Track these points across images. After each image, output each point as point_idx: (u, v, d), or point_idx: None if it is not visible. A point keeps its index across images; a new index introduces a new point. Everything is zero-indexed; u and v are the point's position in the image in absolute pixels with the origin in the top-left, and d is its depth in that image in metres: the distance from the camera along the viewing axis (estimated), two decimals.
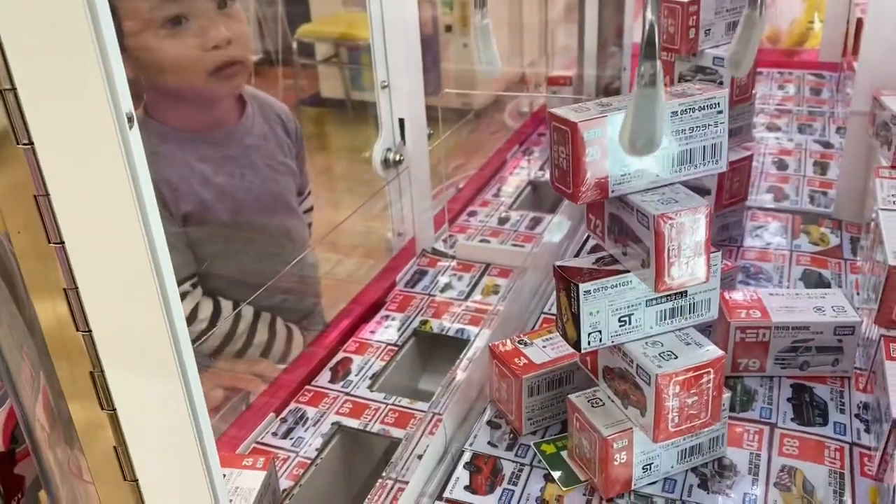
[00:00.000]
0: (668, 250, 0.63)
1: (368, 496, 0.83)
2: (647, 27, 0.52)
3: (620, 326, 0.68)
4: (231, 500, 0.75)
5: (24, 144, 0.37)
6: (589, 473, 0.76)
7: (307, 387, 1.02)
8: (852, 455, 0.78)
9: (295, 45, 3.66)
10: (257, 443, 0.93)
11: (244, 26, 1.11)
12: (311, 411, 0.98)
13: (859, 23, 1.52)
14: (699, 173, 0.67)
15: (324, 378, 1.04)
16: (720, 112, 0.65)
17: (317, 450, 0.92)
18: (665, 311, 0.69)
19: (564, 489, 0.76)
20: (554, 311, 1.03)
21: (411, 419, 0.95)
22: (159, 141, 1.10)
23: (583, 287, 0.66)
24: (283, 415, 0.97)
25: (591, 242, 1.17)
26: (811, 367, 0.87)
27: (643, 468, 0.74)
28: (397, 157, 1.24)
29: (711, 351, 0.68)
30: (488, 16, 0.72)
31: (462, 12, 3.29)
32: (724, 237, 1.15)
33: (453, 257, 1.30)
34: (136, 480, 0.46)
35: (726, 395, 0.74)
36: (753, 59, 0.71)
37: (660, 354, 0.68)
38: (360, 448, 0.98)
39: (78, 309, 0.41)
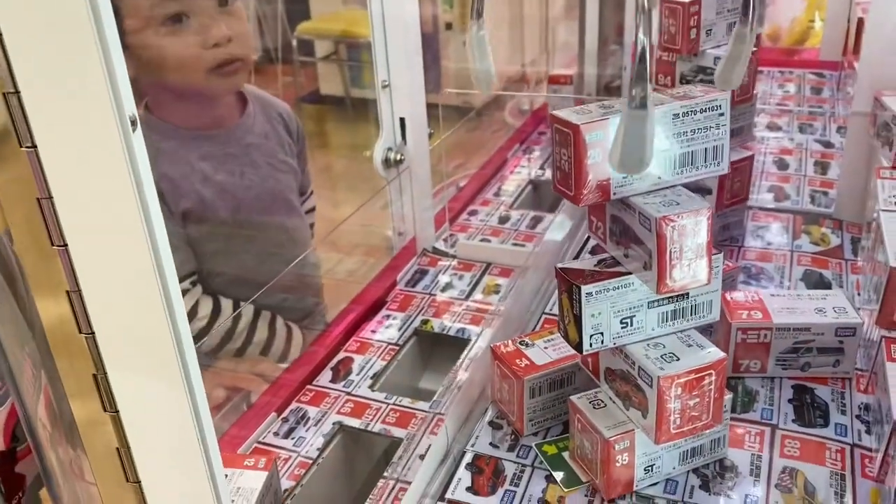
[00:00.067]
0: (670, 252, 0.63)
1: (370, 496, 0.84)
2: (638, 49, 0.53)
3: (622, 328, 0.69)
4: (233, 501, 0.75)
5: (28, 147, 0.37)
6: (590, 474, 0.76)
7: (308, 386, 1.02)
8: (853, 456, 0.78)
9: (295, 42, 3.65)
10: (259, 442, 0.94)
11: (245, 24, 1.11)
12: (312, 411, 0.98)
13: (860, 22, 1.52)
14: (701, 175, 0.67)
15: (325, 378, 1.04)
16: (721, 114, 0.65)
17: (318, 449, 0.92)
18: (667, 312, 0.69)
19: (566, 490, 0.76)
20: (555, 311, 1.03)
21: (412, 419, 0.95)
22: (160, 138, 1.10)
23: (585, 289, 0.66)
24: (284, 414, 0.98)
25: (593, 242, 1.17)
26: (812, 368, 0.87)
27: (645, 469, 0.74)
28: (398, 157, 1.24)
29: (713, 353, 0.68)
30: (485, 26, 0.73)
31: (462, 10, 3.29)
32: (725, 237, 1.15)
33: (454, 256, 1.30)
34: (139, 482, 0.46)
35: (727, 396, 0.74)
36: (743, 75, 0.71)
37: (661, 356, 0.68)
38: (362, 448, 0.98)
39: (81, 311, 0.41)
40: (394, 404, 0.98)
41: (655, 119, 0.63)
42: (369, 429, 0.95)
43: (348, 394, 1.00)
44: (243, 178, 1.17)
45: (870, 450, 0.78)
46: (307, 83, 3.84)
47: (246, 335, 1.18)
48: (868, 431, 0.80)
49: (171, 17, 1.03)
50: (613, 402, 0.74)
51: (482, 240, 1.34)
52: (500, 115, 1.90)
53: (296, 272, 1.21)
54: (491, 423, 0.86)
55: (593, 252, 1.16)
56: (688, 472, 0.77)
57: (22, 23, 0.35)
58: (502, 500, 0.76)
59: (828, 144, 1.48)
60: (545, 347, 0.84)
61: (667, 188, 0.66)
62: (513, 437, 0.83)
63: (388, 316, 1.16)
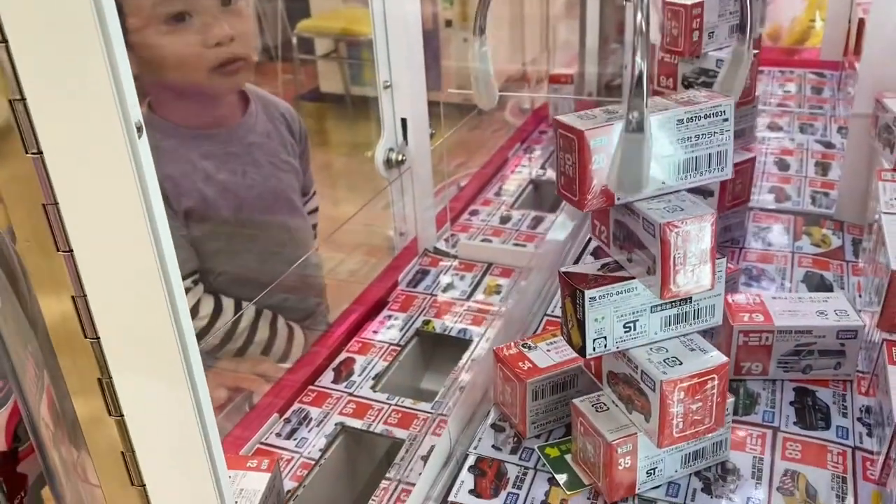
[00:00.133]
0: (674, 258, 0.63)
1: (372, 497, 0.84)
2: (635, 72, 0.53)
3: (625, 332, 0.69)
4: (236, 502, 0.75)
5: (34, 153, 0.37)
6: (593, 477, 0.76)
7: (310, 387, 1.03)
8: (855, 459, 0.78)
9: (294, 40, 3.65)
10: (261, 443, 0.94)
11: (248, 23, 1.11)
12: (314, 412, 0.98)
13: (861, 23, 1.52)
14: (704, 180, 0.67)
15: (327, 378, 1.04)
16: (726, 120, 0.65)
17: (320, 450, 0.92)
18: (669, 317, 0.70)
19: (569, 493, 0.76)
20: (557, 312, 1.04)
21: (414, 420, 0.95)
22: (162, 137, 1.11)
23: (588, 294, 0.66)
24: (286, 415, 0.98)
25: (594, 243, 1.17)
26: (814, 370, 0.87)
27: (647, 472, 0.74)
28: (400, 158, 1.24)
29: (716, 357, 0.68)
30: (487, 43, 0.73)
31: (462, 8, 3.29)
32: (727, 238, 1.15)
33: (455, 257, 1.30)
34: (144, 485, 0.46)
35: (730, 399, 0.74)
36: (741, 92, 0.72)
37: (664, 360, 0.68)
38: (364, 449, 0.98)
39: (86, 316, 0.41)
40: (396, 405, 0.98)
41: (660, 124, 0.63)
42: (371, 430, 0.95)
43: (350, 394, 1.01)
44: (245, 178, 1.17)
45: (871, 452, 0.79)
46: (307, 81, 3.84)
47: (247, 335, 1.18)
48: (869, 434, 0.81)
49: (174, 15, 1.03)
50: (616, 405, 0.74)
51: (483, 240, 1.34)
52: (500, 115, 1.90)
53: (298, 272, 1.21)
54: (493, 426, 0.86)
55: (595, 253, 1.16)
56: (690, 475, 0.77)
57: (28, 30, 0.35)
58: (505, 502, 0.76)
59: (828, 145, 1.48)
60: (547, 350, 0.84)
61: (671, 193, 0.66)
62: (515, 439, 0.84)
63: (389, 316, 1.16)
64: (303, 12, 3.71)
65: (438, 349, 1.16)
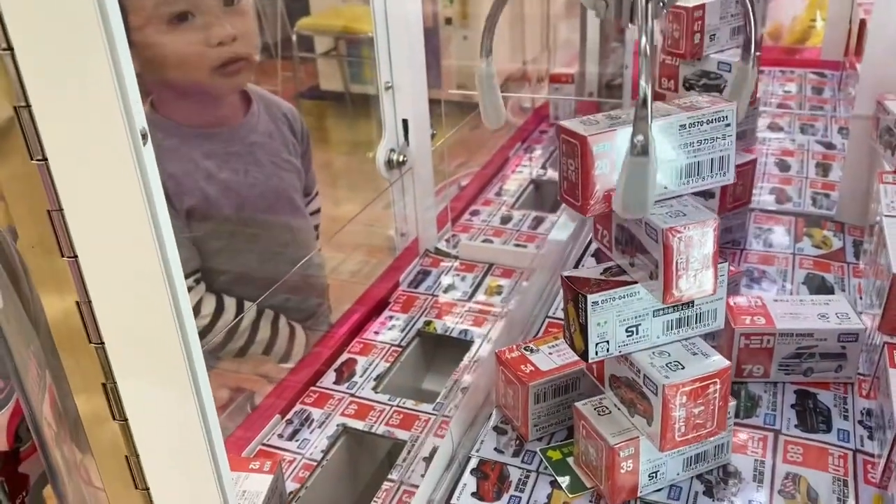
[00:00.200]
0: (677, 263, 0.63)
1: (374, 498, 0.84)
2: (640, 98, 0.53)
3: (628, 336, 0.69)
4: None
5: (38, 160, 0.37)
6: (595, 480, 0.76)
7: (312, 388, 1.03)
8: (856, 462, 0.78)
9: (294, 38, 3.65)
10: (263, 444, 0.94)
11: (251, 23, 1.11)
12: (316, 413, 0.98)
13: (862, 23, 1.52)
14: (707, 185, 0.67)
15: (329, 379, 1.04)
16: (728, 125, 0.65)
17: (322, 451, 0.92)
18: (672, 321, 0.70)
19: (571, 496, 0.76)
20: (559, 314, 1.04)
21: (416, 421, 0.95)
22: (164, 136, 1.11)
23: (591, 298, 0.66)
24: (288, 416, 0.98)
25: (596, 244, 1.17)
26: (815, 373, 0.87)
27: (649, 476, 0.74)
28: (401, 158, 1.24)
29: (718, 361, 0.69)
30: (492, 65, 0.73)
31: (462, 7, 3.29)
32: (728, 240, 1.15)
33: (456, 257, 1.30)
34: (147, 489, 0.46)
35: (731, 403, 0.74)
36: (745, 109, 0.72)
37: (667, 365, 0.68)
38: (366, 450, 0.99)
39: (91, 322, 0.41)
40: (397, 406, 0.98)
41: (662, 129, 0.63)
42: (373, 431, 0.95)
43: (352, 395, 1.01)
44: (247, 177, 1.17)
45: (872, 455, 0.79)
46: (307, 79, 3.83)
47: (249, 334, 1.18)
48: (870, 437, 0.81)
49: (177, 15, 1.03)
50: (618, 408, 0.74)
51: (484, 240, 1.34)
52: None
53: (300, 272, 1.22)
54: (495, 429, 0.86)
55: (596, 254, 1.16)
56: (691, 478, 0.77)
57: (33, 37, 0.35)
58: None
59: (829, 146, 1.48)
60: (549, 353, 0.84)
61: (673, 198, 0.66)
62: (517, 442, 0.84)
63: (390, 317, 1.16)
64: (303, 10, 3.70)
65: (440, 350, 1.16)
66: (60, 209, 0.38)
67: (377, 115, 1.25)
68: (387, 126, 1.24)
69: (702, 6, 0.97)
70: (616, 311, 0.68)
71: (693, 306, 0.70)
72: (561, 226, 1.24)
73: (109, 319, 0.41)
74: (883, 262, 0.88)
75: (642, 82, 0.54)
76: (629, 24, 0.65)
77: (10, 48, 0.35)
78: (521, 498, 0.77)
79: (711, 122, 0.65)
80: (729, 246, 1.15)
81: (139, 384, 0.44)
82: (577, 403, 0.76)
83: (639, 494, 0.75)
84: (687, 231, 0.63)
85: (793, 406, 0.86)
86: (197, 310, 1.12)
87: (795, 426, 0.83)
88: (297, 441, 0.94)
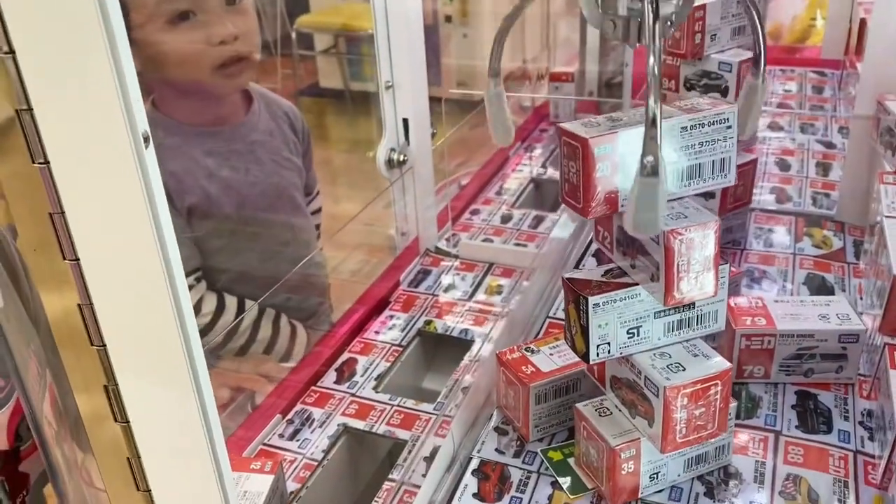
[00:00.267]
0: (678, 265, 0.63)
1: (375, 498, 0.84)
2: (649, 118, 0.53)
3: (629, 338, 0.69)
4: None
5: (40, 163, 0.37)
6: (596, 481, 0.76)
7: (313, 388, 1.03)
8: (856, 463, 0.78)
9: (294, 35, 3.65)
10: (264, 444, 0.94)
11: (252, 22, 1.11)
12: (317, 412, 0.98)
13: (862, 22, 1.52)
14: (708, 187, 0.67)
15: (329, 379, 1.04)
16: (729, 127, 0.65)
17: (323, 451, 0.92)
18: (672, 322, 0.70)
19: (572, 497, 0.76)
20: (559, 315, 1.04)
21: (416, 420, 0.96)
22: (165, 134, 1.11)
23: (592, 300, 0.66)
24: (289, 416, 0.98)
25: (596, 245, 1.17)
26: (815, 374, 0.87)
27: (650, 477, 0.74)
28: (401, 158, 1.24)
29: (719, 363, 0.69)
30: (501, 84, 0.73)
31: (462, 4, 3.28)
32: (728, 240, 1.15)
33: (456, 256, 1.30)
34: (149, 490, 0.46)
35: (732, 404, 0.74)
36: (757, 123, 0.72)
37: (668, 366, 0.68)
38: (366, 449, 0.99)
39: (93, 324, 0.41)
40: (398, 406, 0.98)
41: (664, 132, 0.63)
42: (374, 430, 0.95)
43: (353, 395, 1.01)
44: (248, 175, 1.17)
45: (873, 456, 0.79)
46: (306, 76, 3.83)
47: (249, 333, 1.18)
48: (871, 438, 0.81)
49: (179, 13, 1.03)
50: (619, 410, 0.75)
51: (484, 240, 1.34)
52: None
53: (301, 271, 1.22)
54: (496, 429, 0.86)
55: (596, 254, 1.16)
56: (692, 479, 0.77)
57: (35, 41, 0.35)
58: None
59: (829, 145, 1.48)
60: (550, 354, 0.84)
61: (674, 200, 0.66)
62: (518, 442, 0.84)
63: (391, 316, 1.16)
64: (302, 8, 3.70)
65: (440, 349, 1.16)
66: (62, 212, 0.38)
67: (377, 113, 1.25)
68: (387, 125, 1.24)
69: (703, 6, 0.97)
70: (617, 312, 0.68)
71: (694, 308, 0.70)
72: (562, 225, 1.24)
73: (111, 322, 0.41)
74: (884, 263, 0.88)
75: (651, 102, 0.54)
76: (636, 44, 0.65)
77: (11, 51, 0.35)
78: (522, 499, 0.77)
79: (713, 124, 0.65)
80: (729, 246, 1.15)
81: (141, 386, 0.44)
82: (578, 405, 0.76)
83: (640, 495, 0.75)
84: (688, 233, 0.63)
85: (793, 407, 0.86)
86: (197, 308, 1.12)
87: (796, 427, 0.83)
88: (297, 441, 0.94)
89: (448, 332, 1.13)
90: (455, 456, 0.83)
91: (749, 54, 1.01)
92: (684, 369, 0.68)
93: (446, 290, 1.22)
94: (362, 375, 1.04)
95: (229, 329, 1.15)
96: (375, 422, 0.96)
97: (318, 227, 1.33)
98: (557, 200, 1.31)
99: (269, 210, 1.21)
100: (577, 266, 1.16)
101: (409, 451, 0.91)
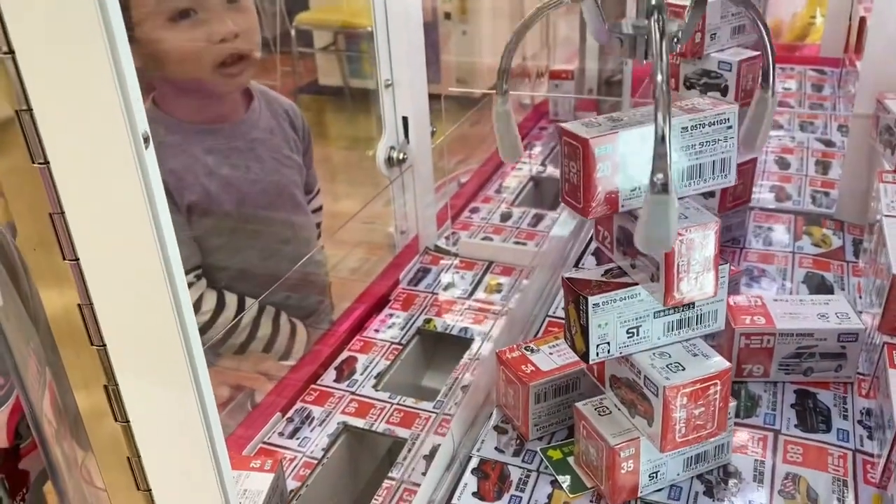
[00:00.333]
0: (678, 266, 0.63)
1: (375, 497, 0.84)
2: (658, 136, 0.53)
3: (628, 338, 0.69)
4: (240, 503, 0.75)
5: (40, 163, 0.37)
6: (595, 480, 0.76)
7: (313, 386, 1.03)
8: (855, 462, 0.78)
9: (293, 32, 3.64)
10: (264, 443, 0.94)
11: (253, 20, 1.12)
12: (316, 411, 0.98)
13: (862, 20, 1.52)
14: (708, 187, 0.67)
15: (329, 377, 1.04)
16: (730, 127, 0.65)
17: (323, 449, 0.92)
18: (672, 322, 0.70)
19: (571, 496, 0.77)
20: (559, 313, 1.04)
21: (416, 419, 0.96)
22: (166, 132, 1.11)
23: (592, 300, 0.66)
24: (289, 414, 0.98)
25: (596, 245, 1.17)
26: (815, 372, 0.88)
27: (649, 476, 0.74)
28: (401, 156, 1.24)
29: (718, 362, 0.69)
30: (509, 101, 0.73)
31: (461, 3, 3.28)
32: (728, 238, 1.15)
33: (456, 255, 1.30)
34: (150, 490, 0.46)
35: (731, 403, 0.74)
36: (767, 137, 0.72)
37: (667, 366, 0.68)
38: (366, 448, 0.99)
39: (93, 324, 0.41)
40: (398, 404, 0.99)
41: None
42: (373, 429, 0.95)
43: (352, 393, 1.01)
44: (248, 173, 1.17)
45: (872, 455, 0.79)
46: (306, 74, 3.83)
47: (249, 331, 1.18)
48: (870, 437, 0.81)
49: (180, 11, 1.03)
50: (619, 409, 0.75)
51: (484, 238, 1.34)
52: None
53: (301, 269, 1.22)
54: (496, 428, 0.86)
55: (596, 253, 1.16)
56: (692, 478, 0.77)
57: (34, 41, 0.35)
58: None
59: (829, 143, 1.48)
60: (550, 353, 0.84)
61: None
62: (518, 441, 0.84)
63: (391, 315, 1.17)
64: (301, 5, 3.70)
65: (440, 348, 1.16)
66: (62, 212, 0.38)
67: (376, 111, 1.25)
68: (387, 124, 1.24)
69: None
70: (617, 312, 0.68)
71: (694, 308, 0.70)
72: (562, 223, 1.24)
73: (111, 322, 0.41)
74: (883, 262, 0.88)
75: (659, 119, 0.54)
76: (644, 61, 0.65)
77: (10, 51, 0.35)
78: (521, 498, 0.77)
79: (713, 124, 0.65)
80: (729, 244, 1.15)
81: (141, 386, 0.44)
82: (577, 404, 0.76)
83: (639, 494, 0.75)
84: (688, 234, 0.63)
85: (793, 406, 0.86)
86: (197, 306, 1.12)
87: (795, 426, 0.83)
88: (297, 439, 0.94)
89: (447, 331, 1.13)
90: (455, 454, 0.84)
91: (749, 53, 1.01)
92: (684, 369, 0.68)
93: (446, 288, 1.22)
94: (362, 374, 1.04)
95: (229, 327, 1.15)
96: (375, 420, 0.96)
97: (318, 225, 1.33)
98: (557, 198, 1.31)
99: (270, 208, 1.21)
100: (576, 264, 1.16)
101: (409, 450, 0.91)
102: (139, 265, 0.42)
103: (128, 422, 0.44)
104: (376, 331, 1.13)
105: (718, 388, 0.68)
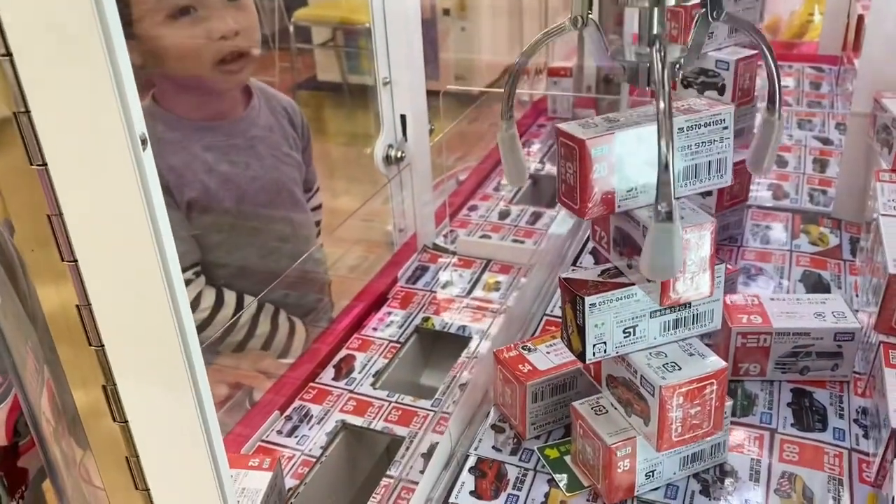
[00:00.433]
0: None
1: (373, 495, 0.85)
2: (661, 164, 0.54)
3: (625, 337, 0.69)
4: (238, 502, 0.76)
5: (38, 165, 0.37)
6: (592, 479, 0.77)
7: (311, 384, 1.03)
8: (851, 461, 0.79)
9: (292, 28, 3.64)
10: (262, 441, 0.94)
11: (253, 17, 1.12)
12: (315, 409, 0.99)
13: (860, 19, 1.52)
14: (704, 187, 0.67)
15: (327, 375, 1.05)
16: (726, 128, 0.66)
17: (321, 448, 0.93)
18: (669, 322, 0.70)
19: (568, 495, 0.77)
20: (557, 312, 1.04)
21: (414, 417, 0.96)
22: (165, 129, 1.11)
23: (588, 300, 0.66)
24: (287, 412, 0.98)
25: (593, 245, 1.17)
26: (811, 371, 0.88)
27: (646, 475, 0.75)
28: (399, 154, 1.25)
29: (714, 362, 0.69)
30: (514, 127, 0.74)
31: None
32: (725, 237, 1.15)
33: (454, 253, 1.30)
34: (148, 489, 0.47)
35: (728, 403, 0.75)
36: (774, 160, 0.72)
37: (663, 366, 0.68)
38: (364, 446, 0.99)
39: (91, 325, 0.41)
40: (396, 402, 0.99)
41: None
42: (372, 427, 0.95)
43: (351, 392, 1.01)
44: (247, 170, 1.17)
45: (867, 454, 0.79)
46: (304, 70, 3.83)
47: (248, 328, 1.19)
48: (866, 436, 0.81)
49: (180, 8, 1.03)
50: (615, 408, 0.75)
51: (482, 236, 1.35)
52: (499, 107, 1.89)
53: (299, 267, 1.22)
54: (493, 427, 0.86)
55: (594, 252, 1.17)
56: (688, 476, 0.78)
57: (32, 43, 0.35)
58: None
59: (826, 141, 1.48)
60: (547, 352, 0.84)
61: None
62: (515, 440, 0.84)
63: (389, 313, 1.17)
64: (300, 1, 3.70)
65: (438, 346, 1.16)
66: (60, 213, 0.38)
67: (375, 107, 1.25)
68: (385, 121, 1.24)
69: (699, 4, 0.97)
70: (613, 312, 0.68)
71: (690, 307, 0.70)
72: (560, 221, 1.24)
73: (109, 323, 0.41)
74: (879, 261, 0.88)
75: (662, 147, 0.54)
76: (646, 87, 0.65)
77: (8, 53, 0.35)
78: (518, 496, 0.77)
79: (709, 125, 0.65)
80: (726, 243, 1.16)
81: (139, 387, 0.44)
82: (574, 403, 0.76)
83: (635, 493, 0.76)
84: (684, 234, 0.63)
85: (789, 404, 0.86)
86: (196, 303, 1.13)
87: (791, 425, 0.83)
88: (296, 437, 0.94)
89: (446, 329, 1.13)
90: (452, 453, 0.84)
91: (747, 52, 1.01)
92: (680, 369, 0.68)
93: (444, 286, 1.22)
94: (360, 372, 1.04)
95: (228, 324, 1.15)
96: (373, 418, 0.96)
97: (318, 223, 1.33)
98: (555, 196, 1.31)
99: (269, 205, 1.21)
100: (574, 262, 1.17)
101: (407, 448, 0.91)
102: (137, 267, 0.42)
103: (126, 422, 0.44)
104: (374, 329, 1.13)
105: (714, 387, 0.68)
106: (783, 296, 0.97)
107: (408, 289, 1.22)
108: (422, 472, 0.82)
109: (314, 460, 0.91)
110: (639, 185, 0.65)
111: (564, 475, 0.79)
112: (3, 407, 0.80)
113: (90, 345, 0.42)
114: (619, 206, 0.65)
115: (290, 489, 0.87)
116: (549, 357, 0.84)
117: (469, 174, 1.57)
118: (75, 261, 0.39)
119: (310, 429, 0.95)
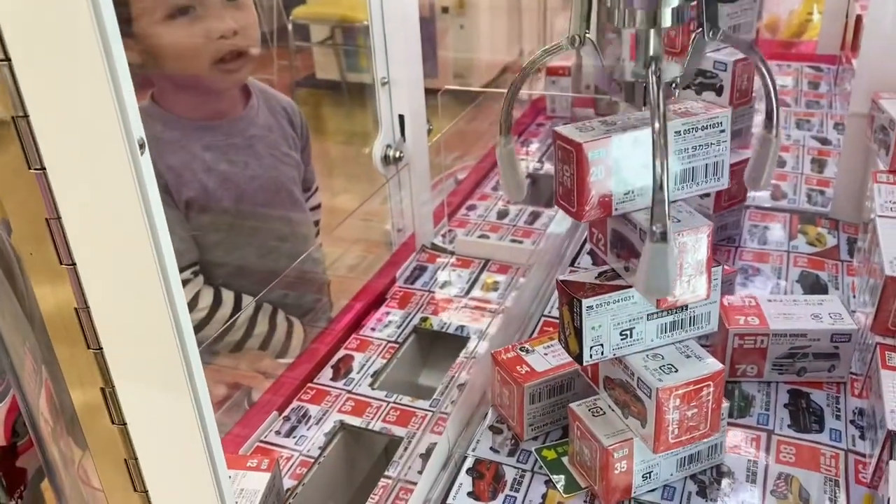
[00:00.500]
0: None
1: (371, 495, 0.85)
2: (656, 184, 0.54)
3: (622, 340, 0.70)
4: (237, 503, 0.76)
5: (37, 169, 0.38)
6: (589, 480, 0.77)
7: (309, 384, 1.03)
8: (847, 462, 0.79)
9: (290, 26, 3.64)
10: (261, 441, 0.95)
11: (252, 17, 1.12)
12: (313, 409, 0.99)
13: (858, 19, 1.52)
14: (701, 190, 0.67)
15: (325, 376, 1.05)
16: (723, 131, 0.66)
17: (319, 448, 0.93)
18: (665, 324, 0.70)
19: (565, 496, 0.77)
20: (555, 312, 1.05)
21: (412, 417, 0.96)
22: (164, 128, 1.11)
23: (585, 303, 0.67)
24: (285, 413, 0.99)
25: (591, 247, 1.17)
26: (808, 373, 0.88)
27: (643, 476, 0.75)
28: (397, 154, 1.25)
29: (711, 364, 0.69)
30: (512, 142, 0.74)
31: None
32: (723, 237, 1.15)
33: (452, 253, 1.30)
34: (146, 491, 0.47)
35: (725, 404, 0.75)
36: (772, 176, 0.72)
37: (660, 368, 0.69)
38: (363, 446, 0.99)
39: (89, 328, 0.41)
40: (394, 402, 0.99)
41: None
42: (370, 427, 0.96)
43: (349, 392, 1.01)
44: (246, 169, 1.18)
45: (863, 455, 0.80)
46: (303, 68, 3.83)
47: (246, 328, 1.19)
48: (862, 437, 0.82)
49: (179, 8, 1.03)
50: (612, 410, 0.75)
51: (480, 236, 1.35)
52: (498, 106, 1.89)
53: (298, 266, 1.22)
54: (491, 428, 0.87)
55: (592, 252, 1.17)
56: (685, 478, 0.78)
57: (30, 48, 0.35)
58: None
59: (824, 141, 1.48)
60: (545, 354, 0.85)
61: None
62: (513, 441, 0.84)
63: (387, 313, 1.17)
64: None
65: (436, 346, 1.16)
66: (59, 217, 0.39)
67: (373, 105, 1.25)
68: (383, 121, 1.24)
69: (697, 4, 0.97)
70: (611, 314, 0.68)
71: (687, 310, 0.70)
72: (558, 221, 1.24)
73: (108, 326, 0.41)
74: (876, 262, 0.88)
75: (657, 168, 0.54)
76: (642, 107, 0.66)
77: (7, 59, 0.35)
78: (516, 498, 0.78)
79: (706, 128, 0.65)
80: (724, 243, 1.16)
81: (137, 389, 0.44)
82: (571, 404, 0.77)
83: (632, 495, 0.76)
84: (681, 237, 0.63)
85: (786, 406, 0.86)
86: (194, 303, 1.13)
87: (788, 426, 0.84)
88: (294, 438, 0.95)
89: (444, 329, 1.13)
90: (450, 454, 0.84)
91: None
92: (677, 371, 0.68)
93: (442, 286, 1.22)
94: (358, 372, 1.05)
95: (226, 324, 1.16)
96: (371, 419, 0.97)
97: (317, 223, 1.33)
98: (553, 196, 1.31)
99: (268, 205, 1.22)
100: (573, 262, 1.17)
101: (405, 448, 0.91)
102: (135, 270, 0.42)
103: (125, 424, 0.44)
104: (373, 329, 1.13)
105: (711, 389, 0.69)
106: (780, 297, 0.97)
107: (406, 289, 1.22)
108: (420, 472, 0.82)
109: (312, 461, 0.91)
110: (636, 189, 0.65)
111: (562, 476, 0.79)
112: (1, 407, 0.80)
113: (88, 347, 0.42)
114: (616, 209, 0.65)
115: (288, 490, 0.87)
116: (547, 358, 0.84)
117: (468, 173, 1.57)
118: (73, 264, 0.40)
119: (308, 429, 0.96)
